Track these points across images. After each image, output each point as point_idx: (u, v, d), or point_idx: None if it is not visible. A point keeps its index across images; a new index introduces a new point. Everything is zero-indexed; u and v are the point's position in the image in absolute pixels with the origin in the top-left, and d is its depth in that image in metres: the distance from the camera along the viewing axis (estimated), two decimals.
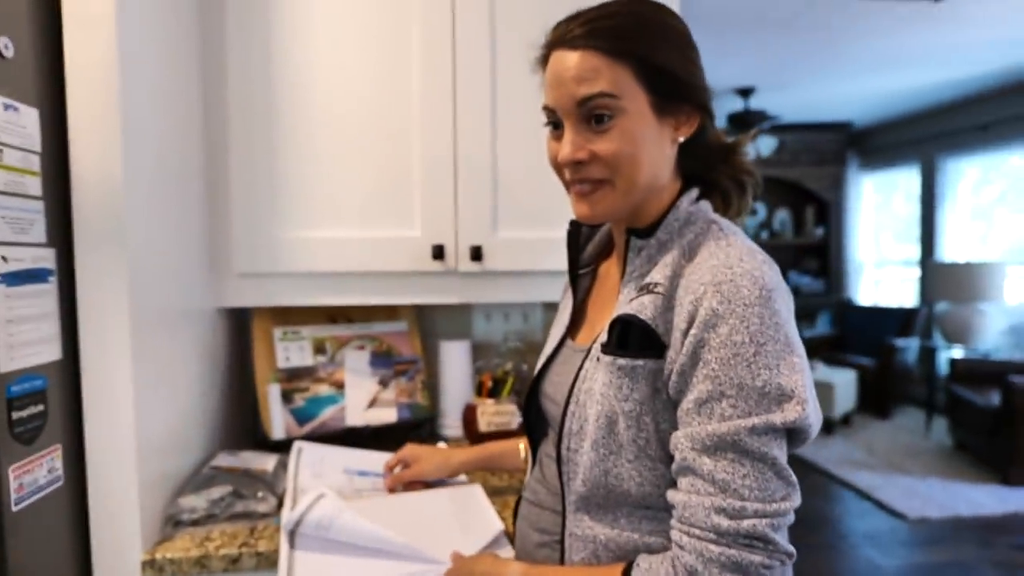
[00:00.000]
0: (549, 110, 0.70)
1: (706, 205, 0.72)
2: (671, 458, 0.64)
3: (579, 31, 0.67)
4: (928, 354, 4.96)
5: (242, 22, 1.17)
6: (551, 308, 1.51)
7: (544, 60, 0.71)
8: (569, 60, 0.67)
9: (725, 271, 0.62)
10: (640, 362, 0.64)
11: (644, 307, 0.65)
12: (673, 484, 0.65)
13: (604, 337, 0.68)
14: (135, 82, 0.89)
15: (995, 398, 3.73)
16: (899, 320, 5.10)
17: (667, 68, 0.67)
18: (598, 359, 0.68)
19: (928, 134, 5.25)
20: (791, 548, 0.58)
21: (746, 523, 0.56)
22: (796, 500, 0.59)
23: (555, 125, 0.70)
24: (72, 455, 0.86)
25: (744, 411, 0.58)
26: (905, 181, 5.67)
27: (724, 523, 0.57)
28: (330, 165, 1.22)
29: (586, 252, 0.85)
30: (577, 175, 0.69)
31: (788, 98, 4.70)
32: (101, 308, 0.85)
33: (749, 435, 0.57)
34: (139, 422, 0.89)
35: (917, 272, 5.45)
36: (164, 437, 0.99)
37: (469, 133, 1.24)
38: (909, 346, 4.93)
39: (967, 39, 3.46)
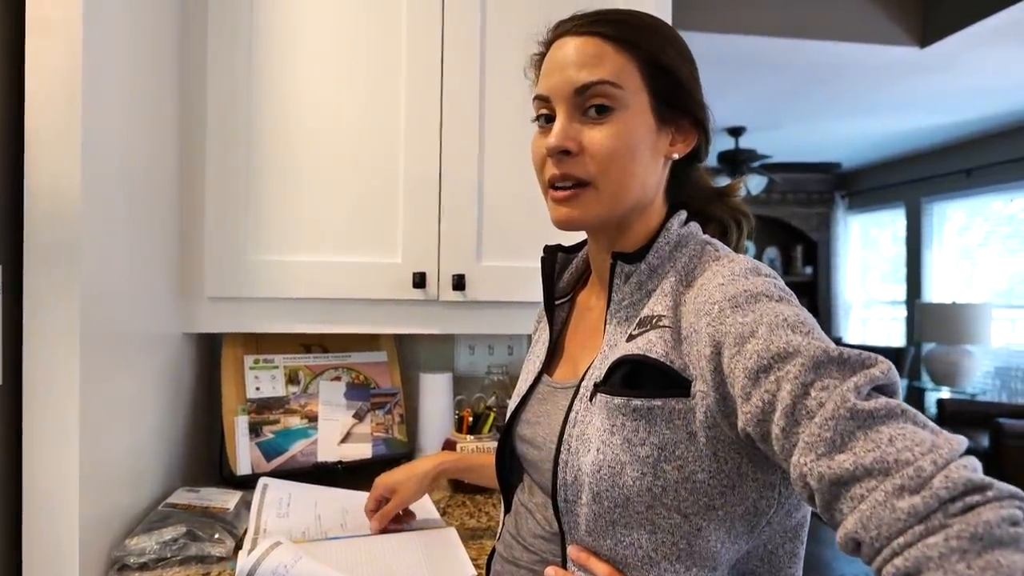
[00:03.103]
0: (542, 99, 0.64)
1: (696, 227, 0.67)
2: (699, 508, 0.56)
3: (584, 19, 0.63)
4: (916, 395, 4.94)
5: (224, 39, 1.14)
6: None
7: (541, 59, 0.67)
8: (571, 45, 0.62)
9: (735, 284, 0.55)
10: (658, 402, 0.56)
11: (653, 344, 0.58)
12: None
13: (599, 376, 0.61)
14: (101, 93, 0.85)
15: (984, 440, 3.69)
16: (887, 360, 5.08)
17: (673, 71, 0.63)
18: (591, 400, 0.61)
19: (914, 177, 5.34)
20: (1011, 487, 0.40)
21: (938, 481, 0.40)
22: (962, 437, 0.43)
23: (545, 119, 0.64)
24: (7, 489, 0.79)
25: (837, 379, 0.46)
26: (892, 222, 5.74)
27: (916, 501, 0.40)
28: (311, 188, 1.18)
29: (562, 281, 0.78)
30: (560, 169, 0.62)
31: (778, 138, 4.77)
32: (49, 330, 0.79)
33: (860, 398, 0.45)
34: (84, 455, 0.82)
35: (904, 312, 5.47)
36: (114, 471, 0.91)
37: (455, 159, 1.21)
38: None
39: (952, 86, 3.53)
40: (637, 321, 0.62)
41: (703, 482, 0.55)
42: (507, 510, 0.77)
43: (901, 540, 0.40)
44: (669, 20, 1.29)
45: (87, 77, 0.81)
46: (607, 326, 0.65)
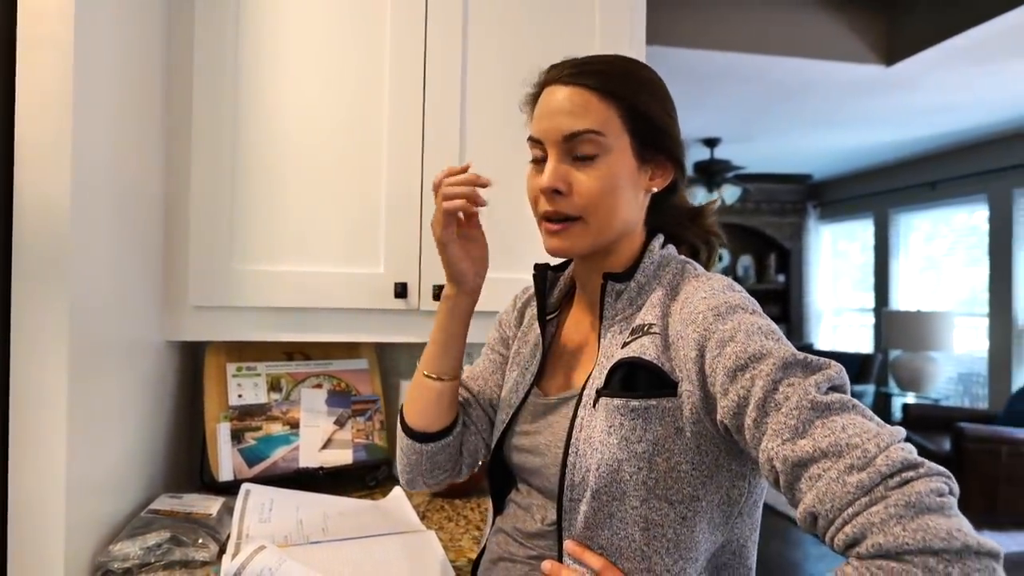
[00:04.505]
0: (535, 141, 0.71)
1: (673, 248, 0.75)
2: (683, 496, 0.62)
3: (572, 70, 0.70)
4: (883, 400, 5.08)
5: (210, 52, 1.16)
6: None
7: (534, 99, 0.74)
8: (560, 94, 0.69)
9: (716, 297, 0.63)
10: (653, 402, 0.63)
11: (646, 348, 0.65)
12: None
13: (600, 382, 0.67)
14: (90, 107, 0.87)
15: (946, 444, 3.82)
16: (856, 366, 5.23)
17: (650, 116, 0.70)
18: (594, 405, 0.66)
19: (881, 189, 5.50)
20: (940, 467, 0.49)
21: (880, 460, 0.48)
22: (901, 428, 0.52)
23: (537, 160, 0.71)
24: None
25: (801, 377, 0.54)
26: (861, 232, 5.90)
27: (862, 477, 0.48)
28: (295, 199, 1.20)
29: (552, 297, 0.83)
30: (552, 207, 0.69)
31: (751, 150, 4.88)
32: (37, 340, 0.81)
33: (819, 393, 0.53)
34: (71, 462, 0.83)
35: (872, 320, 5.63)
36: (99, 478, 0.93)
37: (436, 172, 1.24)
38: (866, 391, 5.05)
39: (916, 102, 3.67)
40: (630, 330, 0.68)
41: (687, 472, 0.62)
42: (497, 511, 0.80)
43: (850, 511, 0.48)
44: (643, 36, 1.34)
45: (77, 90, 0.83)
46: (601, 339, 0.71)
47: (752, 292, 0.69)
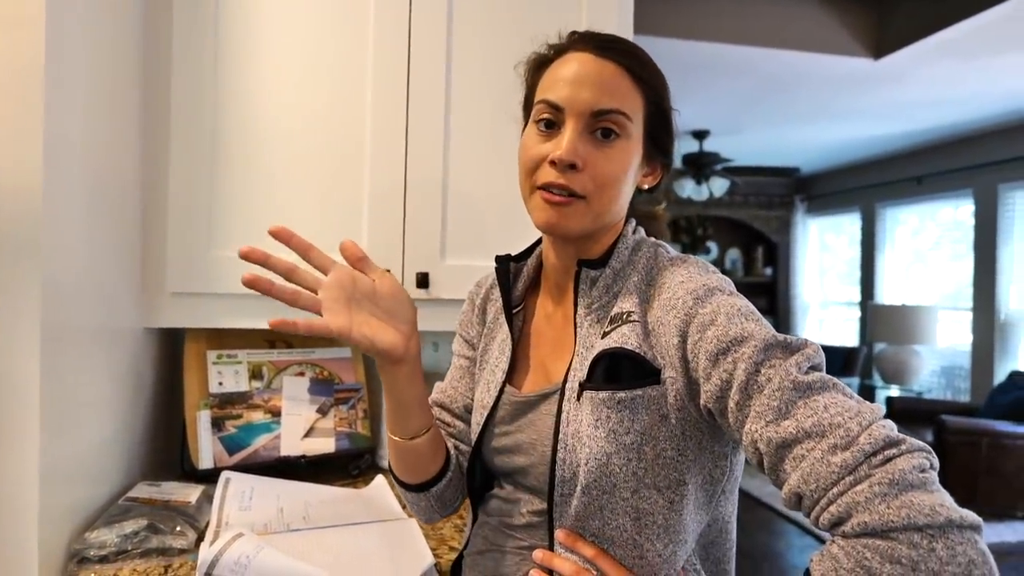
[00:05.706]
0: (551, 106, 0.66)
1: (643, 232, 0.75)
2: (670, 482, 0.62)
3: (604, 43, 0.67)
4: (868, 393, 5.14)
5: (189, 38, 1.14)
6: None
7: (543, 61, 0.71)
8: (596, 66, 0.66)
9: (694, 280, 0.63)
10: (639, 392, 0.62)
11: (627, 337, 0.63)
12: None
13: (583, 375, 0.65)
14: (63, 89, 0.85)
15: (928, 436, 3.87)
16: (842, 359, 5.29)
17: (668, 116, 0.70)
18: (578, 399, 0.65)
19: (868, 183, 5.55)
20: (920, 442, 0.50)
21: (863, 439, 0.48)
22: (880, 405, 0.52)
23: (547, 124, 0.66)
24: None
25: (782, 359, 0.55)
26: (848, 226, 5.95)
27: (846, 456, 0.48)
28: (275, 185, 1.19)
29: (516, 289, 0.80)
30: (560, 180, 0.64)
31: (740, 142, 4.90)
32: (9, 326, 0.79)
33: (800, 373, 0.53)
34: (45, 449, 0.82)
35: (858, 313, 5.68)
36: (75, 466, 0.92)
37: (420, 160, 1.23)
38: (850, 384, 5.11)
39: (904, 96, 3.69)
40: (608, 319, 0.67)
41: (672, 459, 0.62)
42: (476, 512, 0.79)
43: (835, 490, 0.48)
44: (631, 25, 1.33)
45: (49, 71, 0.81)
46: (578, 329, 0.69)
47: (739, 285, 0.68)
